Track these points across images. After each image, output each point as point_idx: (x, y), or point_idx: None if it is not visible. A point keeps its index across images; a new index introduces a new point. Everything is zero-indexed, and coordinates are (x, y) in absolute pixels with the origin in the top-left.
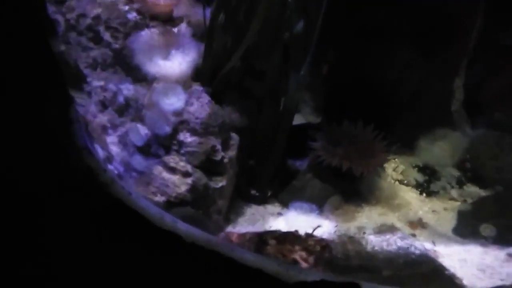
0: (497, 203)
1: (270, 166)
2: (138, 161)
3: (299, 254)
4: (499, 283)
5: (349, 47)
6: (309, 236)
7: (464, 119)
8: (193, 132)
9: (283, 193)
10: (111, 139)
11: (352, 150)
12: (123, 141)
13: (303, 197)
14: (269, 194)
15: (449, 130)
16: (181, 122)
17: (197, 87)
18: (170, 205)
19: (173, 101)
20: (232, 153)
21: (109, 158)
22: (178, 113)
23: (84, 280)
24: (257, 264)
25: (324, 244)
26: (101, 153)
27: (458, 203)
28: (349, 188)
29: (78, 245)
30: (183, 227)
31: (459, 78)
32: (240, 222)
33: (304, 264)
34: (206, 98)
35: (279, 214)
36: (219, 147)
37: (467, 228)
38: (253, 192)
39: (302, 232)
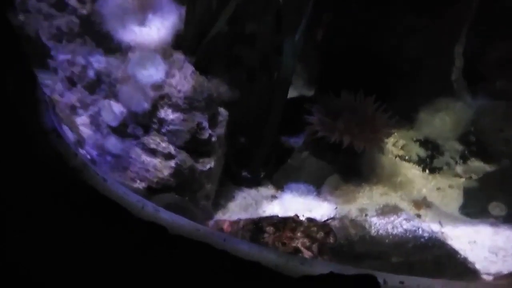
0: (505, 179)
1: (263, 144)
2: (113, 143)
3: (301, 242)
4: None
5: (346, 10)
6: (310, 220)
7: (465, 88)
8: (176, 107)
9: (277, 174)
10: (82, 120)
11: (352, 124)
12: (95, 122)
13: (300, 178)
14: (262, 175)
15: (450, 100)
16: (161, 97)
17: (178, 56)
18: (152, 191)
19: (152, 73)
20: (220, 130)
21: (80, 142)
22: (157, 86)
23: (54, 276)
24: (254, 256)
25: (328, 230)
26: (71, 136)
27: (463, 180)
28: (348, 166)
29: (47, 238)
30: (166, 217)
31: (460, 45)
32: (230, 207)
33: (307, 253)
34: (189, 68)
35: (274, 197)
36: (205, 124)
37: (474, 207)
38: (244, 173)
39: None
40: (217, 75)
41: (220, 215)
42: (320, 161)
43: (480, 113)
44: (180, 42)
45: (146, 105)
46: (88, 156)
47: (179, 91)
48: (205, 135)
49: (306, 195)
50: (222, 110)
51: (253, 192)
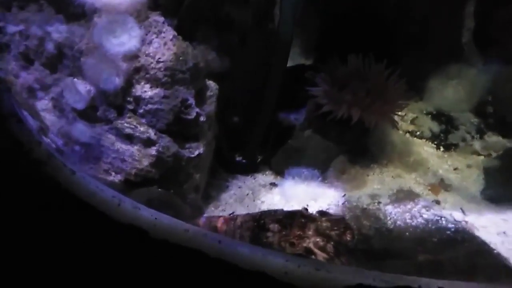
0: None
1: (259, 123)
2: (81, 130)
3: (313, 242)
4: None
5: None
6: (322, 214)
7: (476, 53)
8: (154, 82)
9: (276, 157)
10: (43, 104)
11: (362, 95)
12: (59, 106)
13: (302, 161)
14: (259, 160)
15: (463, 67)
16: (136, 70)
17: (156, 18)
18: (130, 185)
19: (123, 40)
20: (209, 108)
21: (43, 130)
22: (131, 57)
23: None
24: (256, 262)
25: (344, 225)
26: (32, 123)
27: (482, 158)
28: (356, 146)
29: (5, 242)
30: (148, 215)
31: (470, 4)
32: (224, 199)
33: (321, 255)
34: (170, 33)
35: (273, 185)
36: (191, 101)
37: (498, 190)
38: (238, 158)
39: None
40: (203, 40)
41: (212, 210)
42: (325, 140)
43: (496, 80)
44: (158, 1)
45: (118, 81)
46: (54, 146)
47: (158, 62)
48: (192, 114)
49: (309, 181)
50: (210, 83)
51: (249, 180)
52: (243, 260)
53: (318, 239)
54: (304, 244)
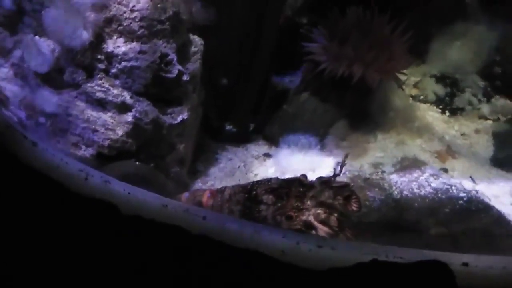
0: None
1: (251, 85)
2: (46, 98)
3: (313, 214)
4: None
5: None
6: (323, 182)
7: (481, 11)
8: (129, 35)
9: (270, 124)
10: (2, 73)
11: (364, 49)
12: (20, 73)
13: (298, 128)
14: (251, 128)
15: (468, 25)
16: (107, 21)
17: None
18: (104, 160)
19: None
20: (194, 66)
21: (2, 102)
22: (100, 6)
23: None
24: (248, 239)
25: (348, 193)
26: None
27: (491, 122)
28: (357, 110)
29: None
30: (120, 190)
31: None
32: (213, 173)
33: (323, 230)
34: None
35: (267, 155)
36: (172, 56)
37: (509, 156)
38: (228, 127)
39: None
40: None
41: (199, 186)
42: (323, 104)
43: (504, 39)
44: None
45: (86, 36)
46: (15, 119)
47: (132, 11)
48: (173, 72)
49: (307, 150)
50: (195, 38)
51: (240, 151)
52: (231, 237)
53: (319, 211)
54: (303, 217)
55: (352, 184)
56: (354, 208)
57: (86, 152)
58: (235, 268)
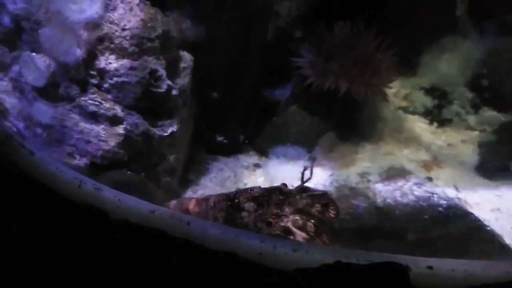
0: None
1: (240, 98)
2: (42, 110)
3: (291, 220)
4: None
5: None
6: (302, 190)
7: (470, 25)
8: (120, 52)
9: (260, 136)
10: (2, 86)
11: (350, 65)
12: (19, 86)
13: (287, 139)
14: (241, 139)
15: (457, 40)
16: (99, 40)
17: None
18: (97, 169)
19: (84, 7)
20: (183, 81)
21: (2, 113)
22: (93, 25)
23: None
24: (228, 243)
25: (326, 200)
26: None
27: (477, 133)
28: (345, 121)
29: None
30: (111, 196)
31: None
32: (203, 183)
33: (300, 235)
34: None
35: (256, 165)
36: (162, 72)
37: (493, 166)
38: (219, 138)
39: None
40: (175, 5)
41: (190, 194)
42: (311, 116)
43: (492, 52)
44: None
45: (80, 52)
46: (14, 130)
47: (123, 29)
48: (162, 87)
49: (295, 160)
50: (185, 54)
51: (231, 161)
52: (212, 241)
53: (297, 217)
54: (282, 224)
55: (330, 193)
56: (332, 215)
57: (80, 161)
58: (214, 268)
